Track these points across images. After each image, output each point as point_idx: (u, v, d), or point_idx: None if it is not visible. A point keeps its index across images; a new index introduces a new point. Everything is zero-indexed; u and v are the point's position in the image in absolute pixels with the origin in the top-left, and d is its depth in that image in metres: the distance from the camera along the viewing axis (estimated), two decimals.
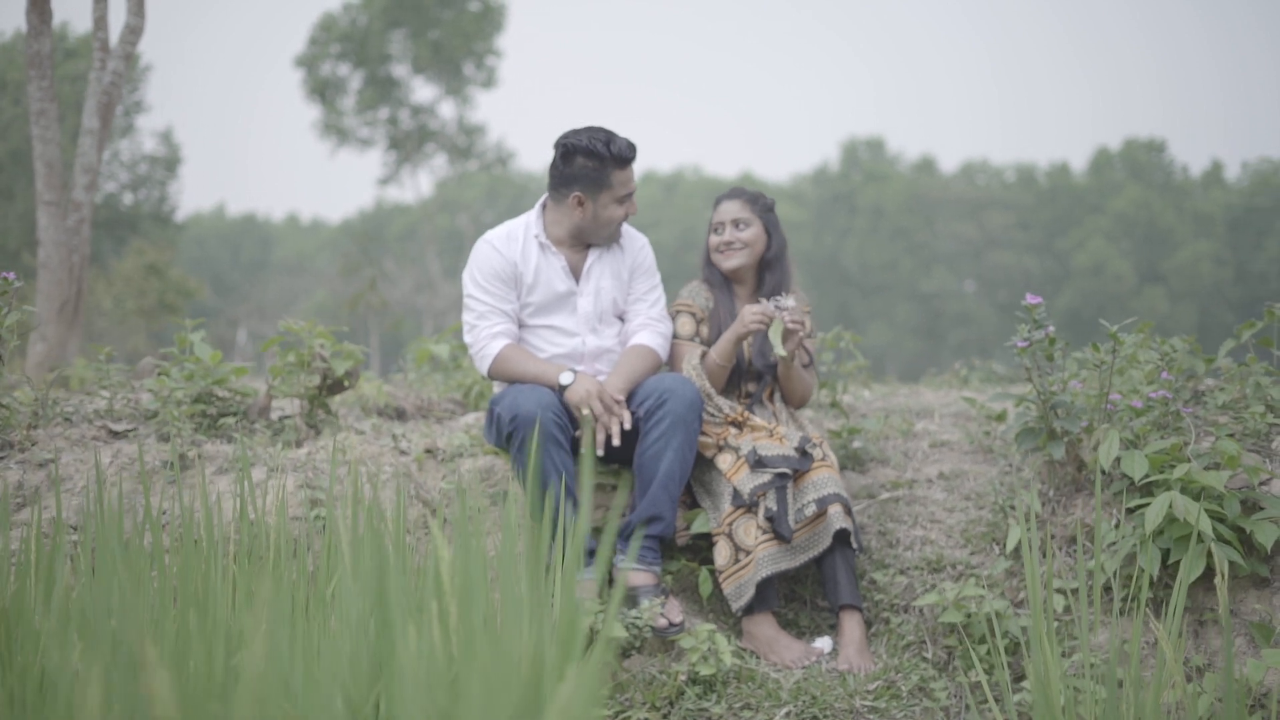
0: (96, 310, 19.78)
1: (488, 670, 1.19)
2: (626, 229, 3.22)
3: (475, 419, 3.85)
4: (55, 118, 6.38)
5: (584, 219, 3.07)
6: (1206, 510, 2.52)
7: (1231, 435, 2.86)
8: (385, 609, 1.43)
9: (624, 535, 2.91)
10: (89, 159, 6.38)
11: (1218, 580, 2.02)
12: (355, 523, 1.67)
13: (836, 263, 42.45)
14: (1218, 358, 3.17)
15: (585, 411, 2.86)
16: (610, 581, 2.91)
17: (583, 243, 3.15)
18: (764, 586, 2.90)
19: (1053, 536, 2.98)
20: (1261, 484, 2.65)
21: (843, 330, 4.11)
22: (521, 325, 3.13)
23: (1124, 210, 40.26)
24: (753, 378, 3.27)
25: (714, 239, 3.31)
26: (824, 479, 2.97)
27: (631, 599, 2.84)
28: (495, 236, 3.14)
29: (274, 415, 3.76)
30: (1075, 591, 2.73)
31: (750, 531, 2.92)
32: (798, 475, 2.98)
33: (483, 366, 3.07)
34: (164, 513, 2.92)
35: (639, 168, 3.02)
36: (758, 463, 2.95)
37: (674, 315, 3.27)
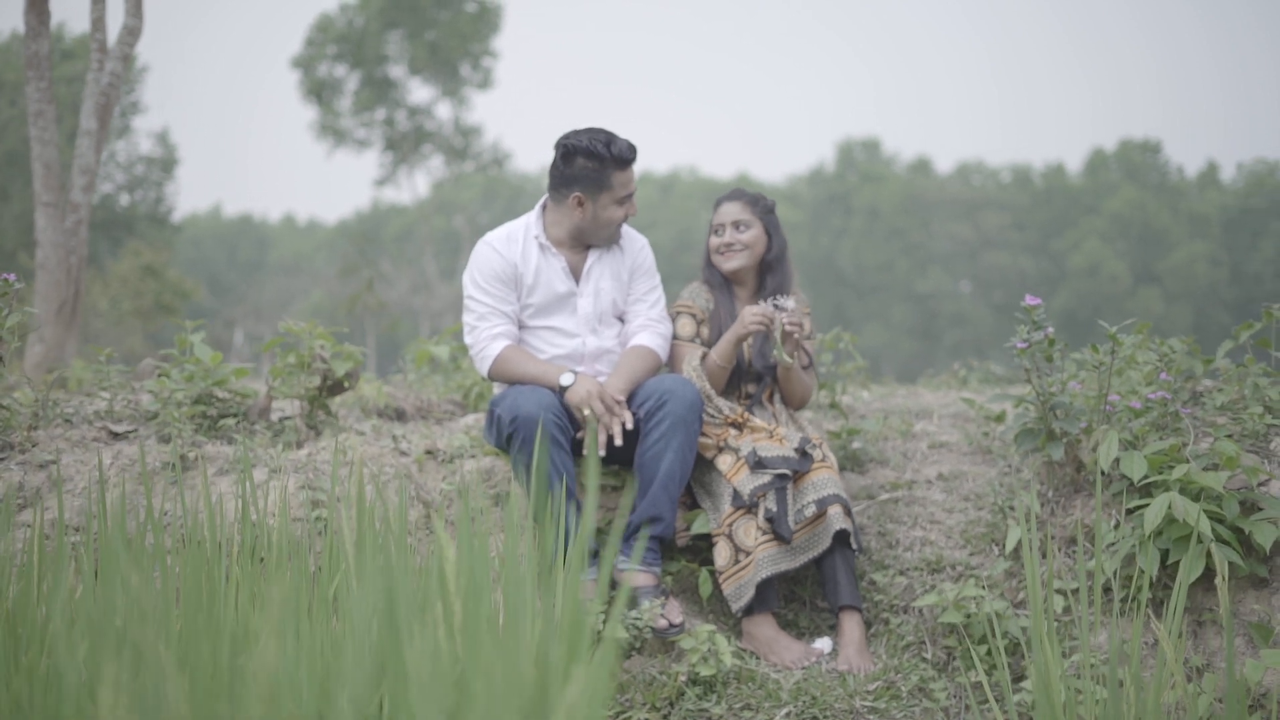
0: (93, 311, 19.73)
1: (494, 671, 1.19)
2: (626, 230, 3.22)
3: (475, 420, 3.85)
4: (53, 119, 6.37)
5: (584, 220, 3.07)
6: (1206, 511, 2.53)
7: (1230, 436, 2.87)
8: (390, 609, 1.43)
9: (625, 536, 2.91)
10: (87, 160, 6.37)
11: (1218, 581, 2.02)
12: (361, 522, 1.67)
13: (832, 263, 42.45)
14: (1216, 359, 3.18)
15: (586, 412, 2.87)
16: (612, 583, 2.91)
17: (583, 244, 3.15)
18: (764, 587, 2.90)
19: (1052, 537, 2.99)
20: (1260, 485, 2.66)
21: (842, 331, 4.12)
22: (522, 326, 3.13)
23: (1119, 211, 40.28)
24: (753, 379, 3.28)
25: (714, 240, 3.31)
26: (824, 480, 2.97)
27: (631, 600, 2.84)
28: (495, 238, 3.14)
29: (274, 416, 3.76)
30: (1075, 592, 2.74)
31: (750, 532, 2.92)
32: (797, 476, 2.98)
33: (483, 368, 3.07)
34: (165, 514, 2.92)
35: (637, 169, 3.03)
36: (757, 464, 2.96)
37: (674, 316, 3.27)
